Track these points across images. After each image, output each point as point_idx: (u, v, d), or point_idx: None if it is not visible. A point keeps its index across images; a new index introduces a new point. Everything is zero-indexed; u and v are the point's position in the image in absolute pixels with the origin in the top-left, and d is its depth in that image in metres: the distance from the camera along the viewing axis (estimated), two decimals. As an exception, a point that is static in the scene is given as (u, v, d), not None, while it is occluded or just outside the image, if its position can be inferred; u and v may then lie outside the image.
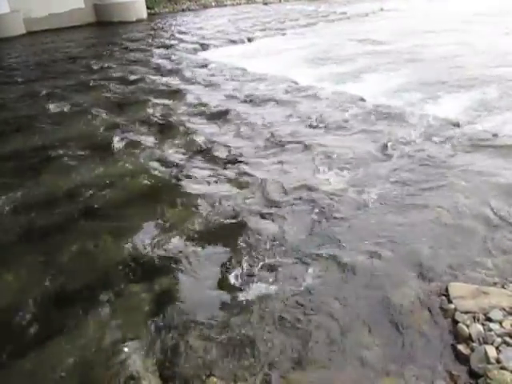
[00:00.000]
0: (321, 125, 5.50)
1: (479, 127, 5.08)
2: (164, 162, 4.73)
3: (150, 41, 12.47)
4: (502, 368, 2.08)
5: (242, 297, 2.74)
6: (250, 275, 2.92)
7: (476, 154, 4.45)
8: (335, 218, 3.51)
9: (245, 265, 3.01)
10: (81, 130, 5.87)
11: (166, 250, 3.24)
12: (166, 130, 5.72)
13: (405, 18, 14.09)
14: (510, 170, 4.08)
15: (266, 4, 20.17)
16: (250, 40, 11.84)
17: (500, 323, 2.34)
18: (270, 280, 2.86)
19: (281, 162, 4.53)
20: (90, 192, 4.15)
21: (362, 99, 6.36)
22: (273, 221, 3.53)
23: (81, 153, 5.10)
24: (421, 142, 4.80)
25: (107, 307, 2.71)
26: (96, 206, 3.93)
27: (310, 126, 5.49)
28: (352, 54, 9.33)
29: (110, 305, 2.73)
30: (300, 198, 3.81)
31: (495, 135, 4.83)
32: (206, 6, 19.89)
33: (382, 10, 15.78)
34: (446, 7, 15.66)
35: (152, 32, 13.97)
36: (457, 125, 5.16)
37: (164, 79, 8.33)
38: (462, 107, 5.79)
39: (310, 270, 2.92)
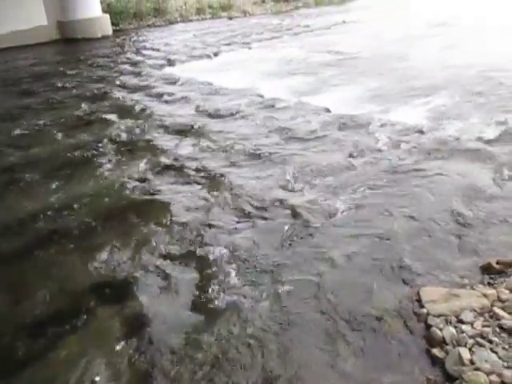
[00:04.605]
0: (287, 136, 5.51)
1: (442, 133, 5.23)
2: (132, 179, 4.64)
3: (115, 57, 12.33)
4: (476, 369, 2.10)
5: (215, 318, 2.68)
6: (223, 293, 2.87)
7: (441, 159, 4.57)
8: (307, 227, 3.51)
9: (218, 284, 2.97)
10: (45, 150, 5.71)
11: (136, 271, 3.15)
12: (133, 147, 5.63)
13: (366, 28, 14.45)
14: (474, 173, 4.20)
15: (230, 19, 20.30)
16: (215, 54, 11.86)
17: (471, 325, 2.37)
18: (245, 296, 2.83)
19: (249, 175, 4.52)
20: (57, 213, 4.03)
21: (327, 110, 6.44)
22: (244, 234, 3.51)
23: (46, 173, 4.95)
24: (387, 149, 4.89)
25: (77, 333, 2.61)
26: (63, 227, 3.81)
27: (276, 138, 5.50)
28: (316, 65, 9.48)
29: (79, 330, 2.63)
30: (271, 209, 3.81)
31: (457, 139, 4.98)
32: (171, 22, 19.86)
33: (344, 22, 16.11)
34: (407, 17, 16.12)
35: (118, 48, 13.83)
36: (421, 131, 5.30)
37: (130, 96, 8.23)
38: (425, 114, 5.95)
39: (282, 282, 2.91)
